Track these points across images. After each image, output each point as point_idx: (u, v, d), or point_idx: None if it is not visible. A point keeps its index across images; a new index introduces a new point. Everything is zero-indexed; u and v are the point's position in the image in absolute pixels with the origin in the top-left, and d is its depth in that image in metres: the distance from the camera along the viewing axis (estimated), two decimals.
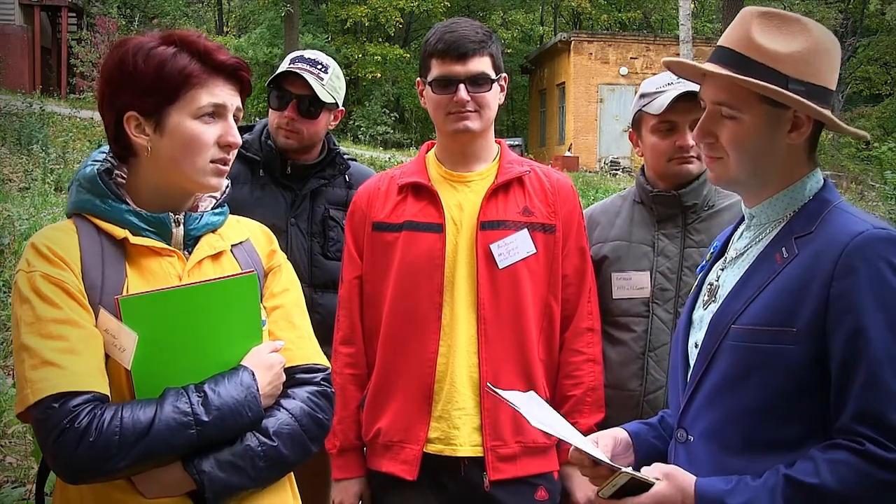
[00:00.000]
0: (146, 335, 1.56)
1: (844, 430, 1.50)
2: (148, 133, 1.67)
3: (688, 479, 1.58)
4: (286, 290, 1.85)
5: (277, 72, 2.87)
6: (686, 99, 2.42)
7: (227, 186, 1.86)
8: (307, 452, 1.71)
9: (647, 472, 1.61)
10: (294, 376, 1.75)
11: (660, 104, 2.48)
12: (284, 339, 1.77)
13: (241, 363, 1.65)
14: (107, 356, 1.57)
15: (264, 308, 1.80)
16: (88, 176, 1.70)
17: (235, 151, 1.74)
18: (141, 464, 1.51)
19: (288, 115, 2.81)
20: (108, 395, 1.54)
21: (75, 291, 1.58)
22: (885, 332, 1.48)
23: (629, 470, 1.58)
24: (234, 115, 1.74)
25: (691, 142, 2.47)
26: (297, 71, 2.81)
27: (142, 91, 1.65)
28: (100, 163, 1.74)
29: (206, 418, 1.53)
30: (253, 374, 1.63)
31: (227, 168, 1.73)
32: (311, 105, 2.82)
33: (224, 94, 1.69)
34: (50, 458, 1.52)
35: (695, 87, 2.41)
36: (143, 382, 1.57)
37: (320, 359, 1.83)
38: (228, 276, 1.68)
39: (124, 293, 1.61)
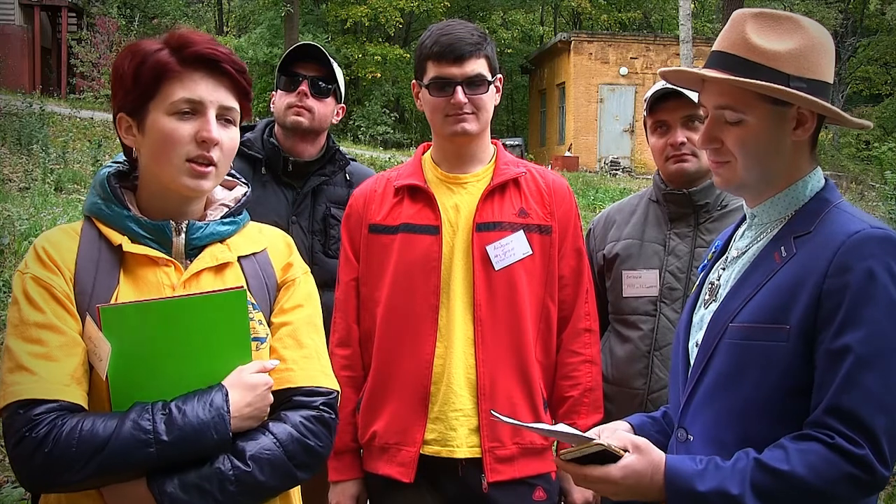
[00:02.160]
0: (126, 346, 1.52)
1: (816, 423, 1.51)
2: (134, 133, 1.66)
3: (659, 456, 1.59)
4: (299, 306, 1.77)
5: (288, 51, 2.94)
6: (675, 97, 2.45)
7: (245, 195, 1.81)
8: (291, 479, 1.62)
9: (617, 443, 1.60)
10: (291, 399, 1.67)
11: (650, 105, 2.55)
12: (288, 358, 1.69)
13: (222, 382, 1.58)
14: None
15: (270, 324, 1.74)
16: (100, 179, 1.69)
17: (222, 151, 1.65)
18: (98, 478, 1.48)
19: (301, 91, 2.87)
20: (81, 403, 1.51)
21: (62, 296, 1.56)
22: (872, 331, 1.49)
23: (601, 441, 1.56)
24: (227, 117, 1.66)
25: (681, 138, 2.51)
26: (312, 43, 2.92)
27: (126, 91, 1.64)
28: (119, 164, 1.73)
29: (166, 437, 1.47)
30: (226, 395, 1.55)
31: (209, 169, 1.63)
32: (322, 84, 2.89)
33: (202, 90, 1.62)
34: (11, 465, 1.51)
35: (679, 85, 2.45)
36: (120, 394, 1.53)
37: (327, 381, 1.73)
38: (214, 292, 1.61)
39: (113, 301, 1.58)
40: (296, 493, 1.79)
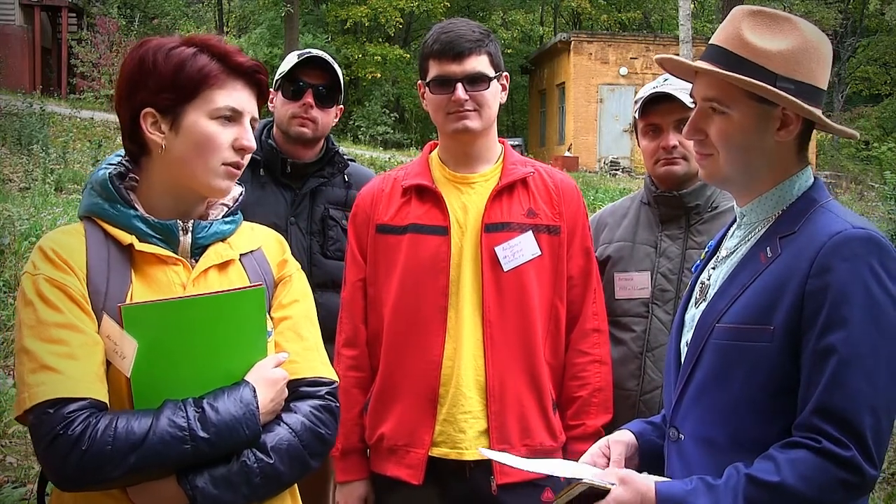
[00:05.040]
0: (148, 344, 1.54)
1: (803, 426, 1.52)
2: (163, 130, 1.67)
3: (646, 485, 1.59)
4: (296, 301, 1.82)
5: (293, 62, 2.90)
6: (667, 100, 2.46)
7: (241, 194, 1.85)
8: (306, 468, 1.67)
9: (604, 478, 1.62)
10: (298, 389, 1.71)
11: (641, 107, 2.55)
12: (290, 350, 1.73)
13: (245, 378, 1.62)
14: (109, 362, 1.56)
15: (271, 319, 1.77)
16: (100, 180, 1.69)
17: (248, 157, 1.73)
18: (134, 475, 1.49)
19: (306, 102, 2.85)
20: (106, 401, 1.52)
21: (78, 296, 1.57)
22: (855, 331, 1.50)
23: (586, 479, 1.59)
24: (252, 124, 1.73)
25: (673, 142, 2.51)
26: (319, 54, 2.89)
27: (160, 88, 1.65)
28: (114, 166, 1.73)
29: (202, 434, 1.50)
30: (254, 391, 1.60)
31: (239, 172, 1.72)
32: (327, 93, 2.88)
33: (242, 99, 1.69)
34: (42, 464, 1.51)
35: (671, 89, 2.48)
36: (142, 391, 1.55)
37: (327, 372, 1.79)
38: (236, 289, 1.65)
39: (128, 300, 1.59)
40: (297, 491, 1.83)
